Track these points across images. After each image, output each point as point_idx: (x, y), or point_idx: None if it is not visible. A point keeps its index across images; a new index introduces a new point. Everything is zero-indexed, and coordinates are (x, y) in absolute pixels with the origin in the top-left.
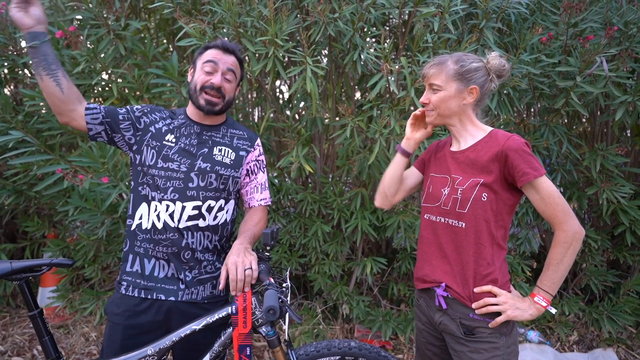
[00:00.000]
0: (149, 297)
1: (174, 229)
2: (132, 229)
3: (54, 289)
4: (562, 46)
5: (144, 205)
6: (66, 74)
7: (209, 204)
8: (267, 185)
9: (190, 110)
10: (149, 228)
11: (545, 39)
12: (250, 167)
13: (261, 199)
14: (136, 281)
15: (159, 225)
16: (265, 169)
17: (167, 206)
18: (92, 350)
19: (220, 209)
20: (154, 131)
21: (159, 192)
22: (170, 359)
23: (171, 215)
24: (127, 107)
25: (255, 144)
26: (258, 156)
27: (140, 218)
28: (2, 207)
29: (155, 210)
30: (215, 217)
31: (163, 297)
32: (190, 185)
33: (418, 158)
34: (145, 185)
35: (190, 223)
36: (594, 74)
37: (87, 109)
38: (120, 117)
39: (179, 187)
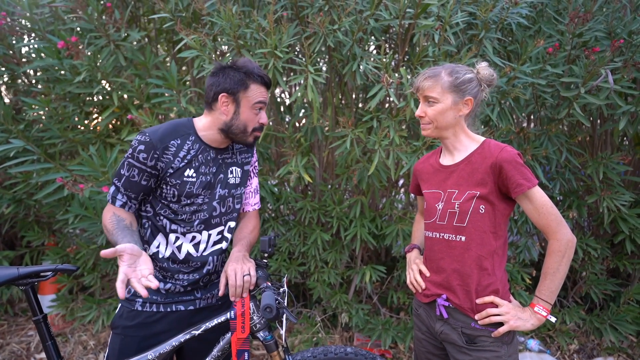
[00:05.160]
0: (168, 309)
1: (197, 258)
2: (149, 254)
3: (54, 297)
4: (566, 56)
5: (160, 236)
6: (135, 233)
7: (229, 225)
8: (258, 189)
9: (210, 135)
10: (167, 257)
11: (552, 49)
12: (249, 173)
13: (254, 204)
14: (152, 297)
15: (180, 256)
16: (257, 173)
17: (193, 237)
18: (90, 359)
19: (236, 225)
20: (172, 171)
21: (182, 225)
22: None
23: (196, 246)
24: (135, 165)
25: (254, 151)
26: (254, 162)
27: (158, 247)
28: (1, 216)
29: (176, 241)
30: (232, 234)
31: (182, 308)
32: (214, 213)
33: (411, 184)
34: (162, 217)
35: (215, 248)
36: (597, 85)
37: (122, 207)
38: (144, 182)
39: (204, 218)
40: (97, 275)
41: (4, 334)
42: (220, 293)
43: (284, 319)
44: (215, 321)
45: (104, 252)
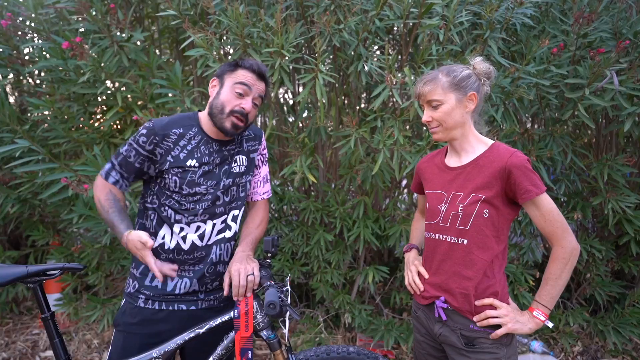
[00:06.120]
0: (170, 308)
1: (201, 248)
2: (155, 245)
3: (58, 296)
4: (571, 57)
5: (165, 227)
6: (124, 210)
7: (233, 214)
8: (268, 177)
9: (208, 126)
10: (172, 248)
11: (556, 50)
12: (256, 162)
13: (264, 192)
14: (155, 295)
15: (185, 247)
16: (267, 161)
17: (198, 227)
18: (94, 358)
19: (242, 214)
20: (171, 160)
21: (187, 215)
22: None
23: (201, 236)
24: (134, 147)
25: (262, 139)
26: (262, 150)
27: (163, 238)
28: (6, 215)
29: (180, 231)
30: (239, 224)
31: (184, 307)
32: (218, 203)
33: (413, 182)
34: (167, 207)
35: (219, 237)
36: (602, 86)
37: (115, 184)
38: (137, 164)
39: (207, 207)
40: (101, 275)
41: (10, 332)
42: (225, 293)
43: (286, 318)
44: (219, 320)
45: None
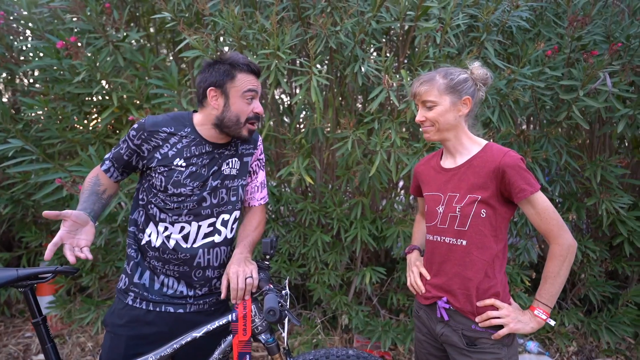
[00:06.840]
0: (157, 309)
1: (186, 249)
2: (142, 243)
3: (52, 298)
4: (565, 59)
5: (152, 225)
6: (100, 201)
7: (223, 218)
8: (265, 182)
9: (206, 130)
10: (157, 246)
11: (551, 52)
12: (252, 167)
13: (261, 198)
14: (143, 294)
15: (170, 246)
16: (264, 166)
17: (182, 228)
18: None
19: (235, 220)
20: (159, 157)
21: (171, 214)
22: None
23: (185, 237)
24: (126, 140)
25: (258, 144)
26: (259, 155)
27: (150, 235)
28: None
29: (165, 231)
30: (232, 229)
31: (171, 310)
32: (204, 204)
33: (412, 185)
34: (153, 205)
35: (206, 240)
36: (596, 88)
37: (106, 172)
38: (126, 157)
39: (192, 208)
40: (95, 277)
41: (1, 336)
42: (223, 296)
43: (285, 322)
44: (217, 323)
45: (47, 213)
